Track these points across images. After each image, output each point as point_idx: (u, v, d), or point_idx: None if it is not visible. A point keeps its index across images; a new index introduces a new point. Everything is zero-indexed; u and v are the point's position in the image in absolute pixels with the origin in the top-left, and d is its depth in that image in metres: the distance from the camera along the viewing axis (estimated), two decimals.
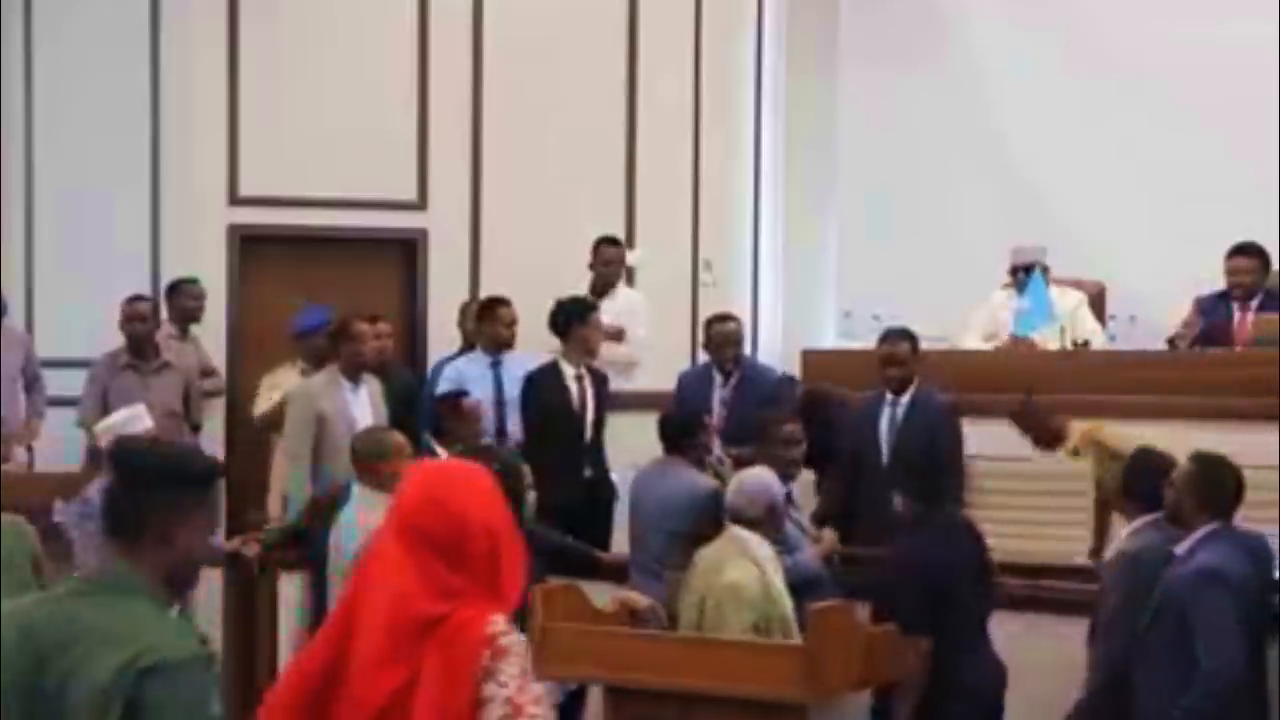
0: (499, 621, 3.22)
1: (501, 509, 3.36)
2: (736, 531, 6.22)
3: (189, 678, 2.99)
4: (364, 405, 8.04)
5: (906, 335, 7.81)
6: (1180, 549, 5.47)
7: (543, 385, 8.17)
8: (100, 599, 3.02)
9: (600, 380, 8.36)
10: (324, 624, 3.43)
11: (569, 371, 8.24)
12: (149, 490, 3.05)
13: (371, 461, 6.40)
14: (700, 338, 9.71)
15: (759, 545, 6.20)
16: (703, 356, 9.22)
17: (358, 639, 3.21)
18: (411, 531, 3.25)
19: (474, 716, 3.14)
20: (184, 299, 9.23)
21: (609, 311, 9.12)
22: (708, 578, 6.09)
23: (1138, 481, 6.10)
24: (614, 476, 7.97)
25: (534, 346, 8.66)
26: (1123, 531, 6.10)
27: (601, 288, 9.28)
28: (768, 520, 6.28)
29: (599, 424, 8.26)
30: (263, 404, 8.78)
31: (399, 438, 6.57)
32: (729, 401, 8.21)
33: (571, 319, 8.29)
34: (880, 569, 6.25)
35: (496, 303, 8.72)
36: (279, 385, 8.67)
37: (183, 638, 3.03)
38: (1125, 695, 5.58)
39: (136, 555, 3.03)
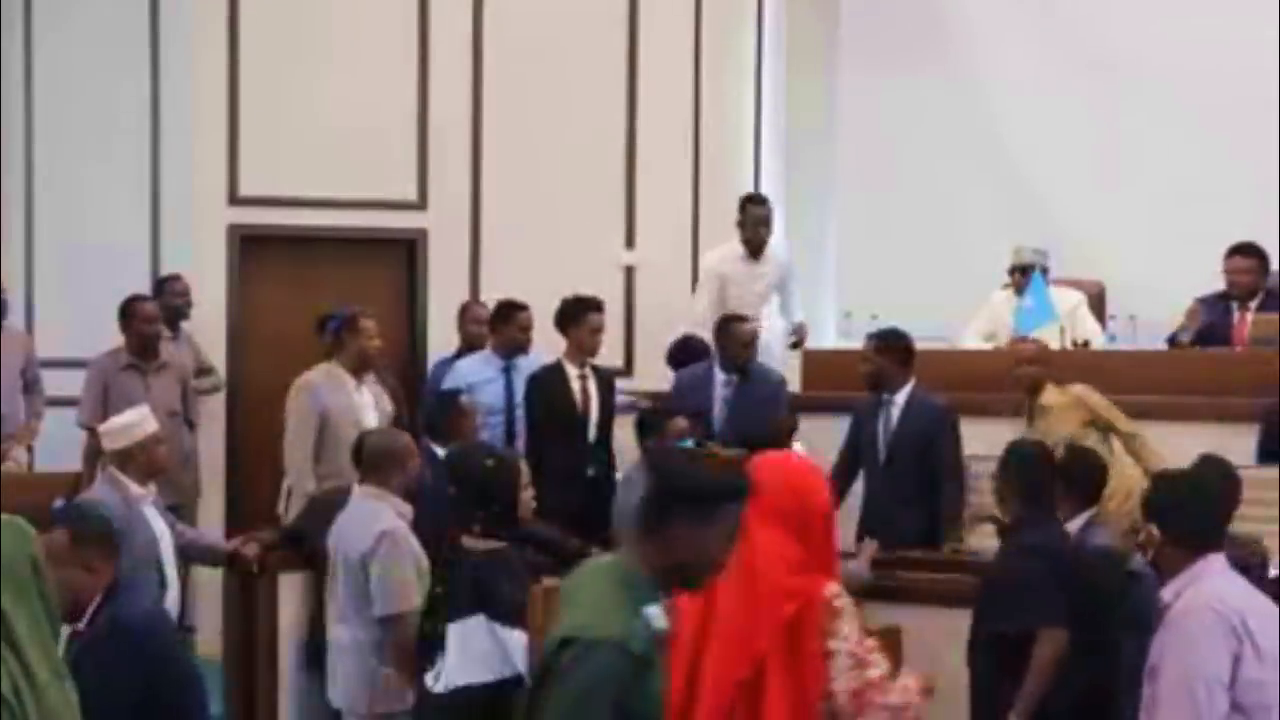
0: (833, 587, 3.89)
1: (830, 494, 4.11)
2: None
3: (595, 660, 3.17)
4: (368, 403, 8.03)
5: (876, 334, 7.93)
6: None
7: (545, 386, 8.17)
8: (598, 572, 3.42)
9: (606, 380, 8.35)
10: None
11: (572, 372, 8.24)
12: (673, 499, 3.35)
13: (377, 462, 6.38)
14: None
15: None
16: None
17: (719, 622, 3.74)
18: (774, 515, 3.83)
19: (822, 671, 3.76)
20: (170, 296, 9.20)
21: (761, 273, 9.13)
22: None
23: (1077, 477, 6.21)
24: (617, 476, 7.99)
25: (533, 347, 8.67)
26: (1071, 527, 6.13)
27: (754, 249, 9.25)
28: None
29: (604, 424, 8.25)
30: None
31: (406, 439, 6.54)
32: (731, 401, 8.19)
33: (566, 319, 8.30)
34: (1000, 570, 6.11)
35: (514, 307, 8.66)
36: None
37: (622, 626, 3.21)
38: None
39: (639, 547, 3.33)
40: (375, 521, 6.10)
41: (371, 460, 6.39)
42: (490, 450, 5.87)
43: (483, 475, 5.52)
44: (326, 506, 6.78)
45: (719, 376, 8.31)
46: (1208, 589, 4.31)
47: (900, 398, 7.77)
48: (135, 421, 6.62)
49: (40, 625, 3.51)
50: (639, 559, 3.32)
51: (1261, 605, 4.36)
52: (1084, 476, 6.30)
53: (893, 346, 7.83)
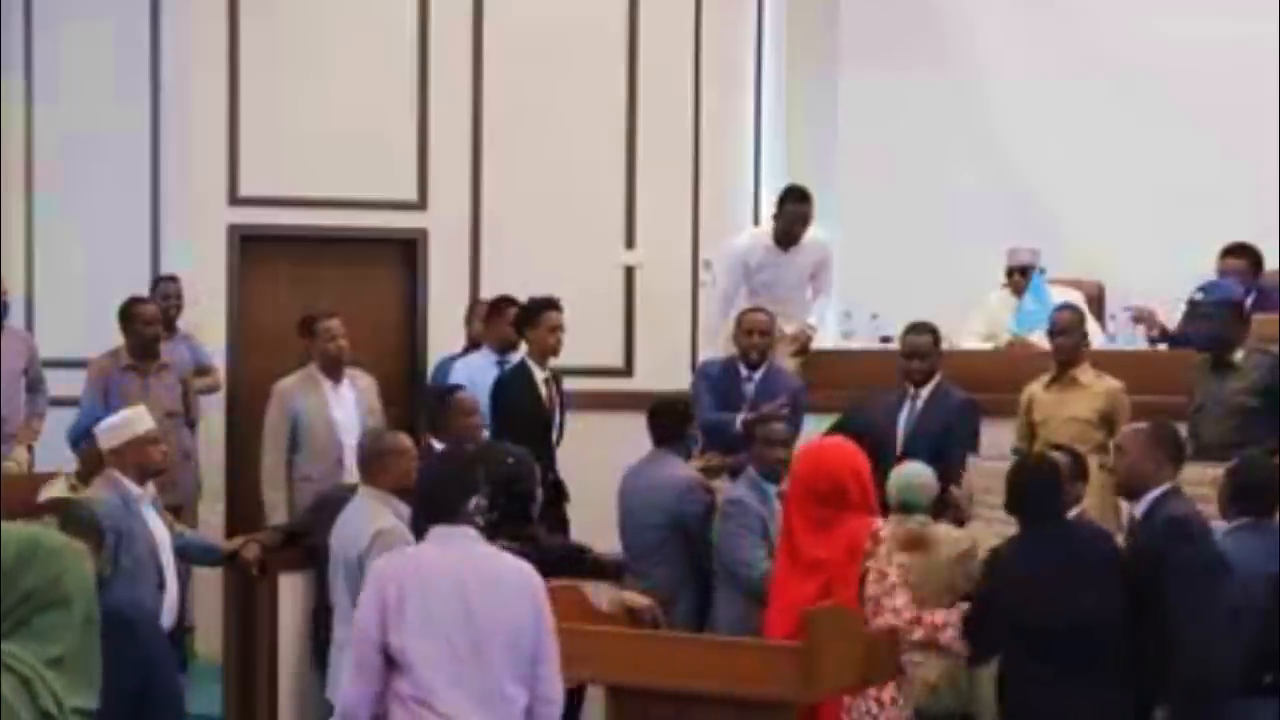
0: (878, 522, 5.75)
1: (862, 460, 5.82)
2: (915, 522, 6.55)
3: None
4: (347, 403, 8.09)
5: (928, 329, 7.95)
6: None
7: (515, 388, 8.13)
8: None
9: (560, 382, 8.37)
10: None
11: (538, 375, 8.22)
12: None
13: (368, 462, 6.39)
14: (698, 339, 9.74)
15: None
16: (705, 355, 9.22)
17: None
18: (805, 494, 5.74)
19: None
20: (161, 298, 9.20)
21: (794, 261, 8.92)
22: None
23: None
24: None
25: None
26: None
27: (785, 243, 8.97)
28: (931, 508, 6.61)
29: (561, 427, 8.28)
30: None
31: (403, 438, 6.55)
32: (753, 398, 8.16)
33: (523, 322, 8.28)
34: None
35: (505, 302, 8.72)
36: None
37: None
38: None
39: None
40: (371, 521, 6.11)
41: (363, 460, 6.42)
42: (509, 449, 5.89)
43: (503, 473, 5.55)
44: (331, 504, 6.82)
45: (744, 371, 8.28)
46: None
47: (925, 390, 7.80)
48: (128, 420, 6.63)
49: (95, 653, 3.43)
50: None
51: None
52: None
53: (939, 341, 7.93)
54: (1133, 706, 5.75)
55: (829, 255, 9.14)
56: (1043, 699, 5.65)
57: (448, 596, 4.60)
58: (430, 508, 4.76)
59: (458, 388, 7.86)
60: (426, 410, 7.84)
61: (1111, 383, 7.62)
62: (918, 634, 5.75)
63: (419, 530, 4.81)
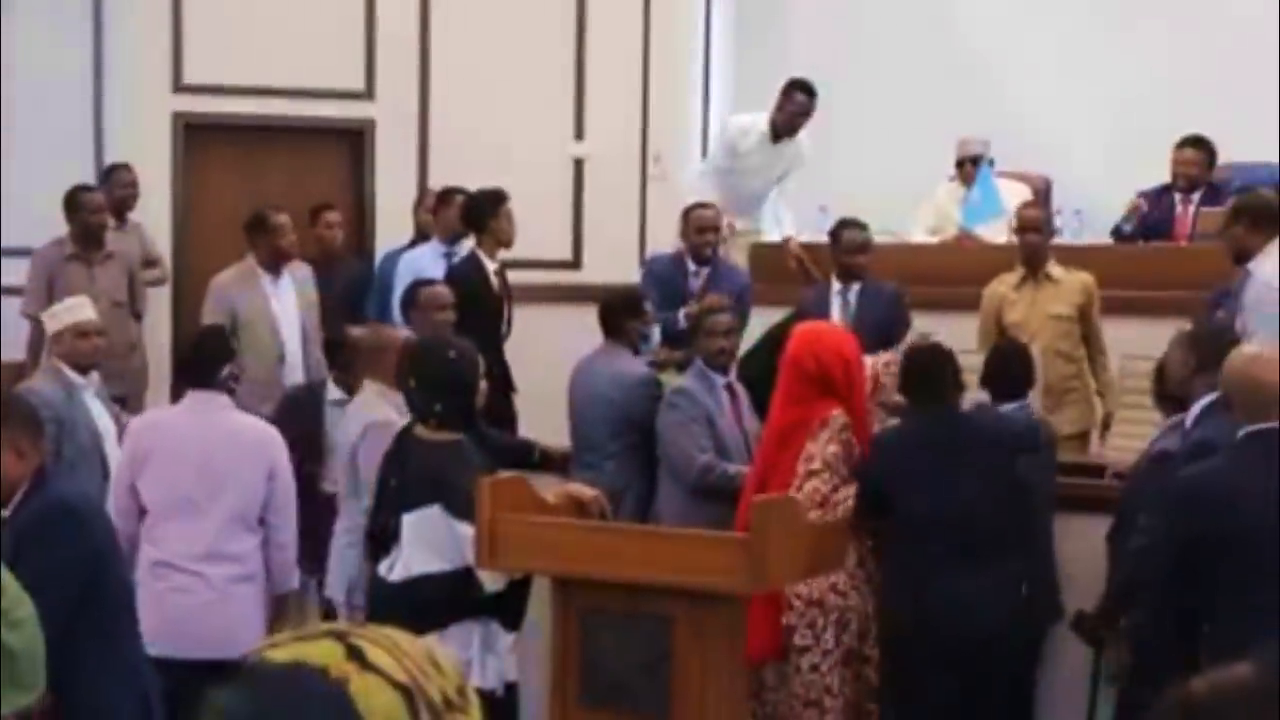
0: (836, 411, 5.90)
1: (850, 350, 6.05)
2: None
3: None
4: (287, 299, 8.03)
5: (861, 222, 7.91)
6: None
7: (468, 279, 8.06)
8: None
9: (505, 274, 8.33)
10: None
11: (489, 266, 8.18)
12: None
13: (374, 355, 6.43)
14: (649, 229, 9.73)
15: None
16: (654, 248, 9.22)
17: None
18: (793, 369, 5.96)
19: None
20: (116, 187, 9.10)
21: (779, 159, 9.01)
22: None
23: (1002, 372, 6.51)
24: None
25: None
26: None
27: (780, 135, 9.05)
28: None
29: (510, 319, 8.26)
30: None
31: (396, 333, 6.66)
32: (700, 292, 8.15)
33: (483, 212, 8.22)
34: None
35: (453, 192, 8.66)
36: None
37: None
38: None
39: None
40: (366, 415, 6.16)
41: (365, 356, 6.50)
42: (452, 343, 5.87)
43: (444, 367, 5.53)
44: (298, 402, 6.94)
45: (691, 266, 8.27)
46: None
47: (855, 286, 7.80)
48: (68, 307, 6.60)
49: None
50: None
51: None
52: (1010, 370, 6.54)
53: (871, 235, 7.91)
54: (1018, 597, 5.83)
55: (804, 158, 9.14)
56: (928, 586, 5.72)
57: (187, 454, 5.61)
58: (186, 375, 5.61)
59: (429, 282, 7.79)
60: (401, 304, 7.76)
61: (1084, 276, 7.58)
62: (814, 514, 5.72)
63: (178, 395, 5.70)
